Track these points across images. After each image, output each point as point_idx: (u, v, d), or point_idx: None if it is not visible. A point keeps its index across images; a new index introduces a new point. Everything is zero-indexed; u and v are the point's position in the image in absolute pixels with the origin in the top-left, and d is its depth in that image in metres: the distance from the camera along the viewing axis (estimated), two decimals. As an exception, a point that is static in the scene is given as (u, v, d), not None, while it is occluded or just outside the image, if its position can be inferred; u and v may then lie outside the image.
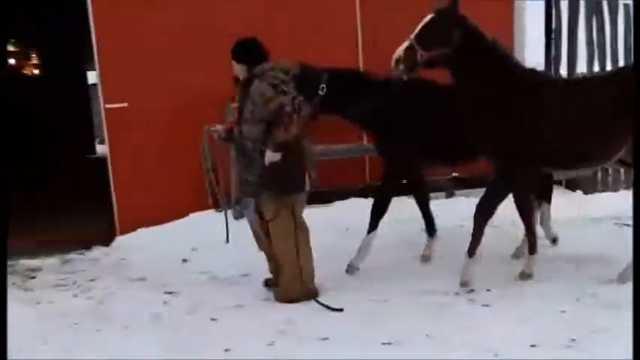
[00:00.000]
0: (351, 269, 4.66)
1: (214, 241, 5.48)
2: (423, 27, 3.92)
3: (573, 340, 3.30)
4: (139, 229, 5.93)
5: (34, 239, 6.01)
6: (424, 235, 4.95)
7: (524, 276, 4.28)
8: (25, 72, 13.45)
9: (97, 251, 5.68)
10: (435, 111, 4.55)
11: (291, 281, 4.09)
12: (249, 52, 4.09)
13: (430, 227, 4.91)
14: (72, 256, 5.56)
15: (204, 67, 5.93)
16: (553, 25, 6.87)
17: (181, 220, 6.01)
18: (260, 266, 4.73)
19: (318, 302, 4.01)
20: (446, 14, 3.93)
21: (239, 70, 4.11)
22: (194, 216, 6.04)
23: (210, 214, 6.10)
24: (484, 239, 4.20)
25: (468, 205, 5.18)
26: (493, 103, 4.00)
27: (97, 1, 5.85)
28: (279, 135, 3.86)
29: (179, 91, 6.02)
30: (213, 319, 3.93)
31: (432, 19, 3.93)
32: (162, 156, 6.06)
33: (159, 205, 6.05)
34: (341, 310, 3.90)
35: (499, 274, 4.35)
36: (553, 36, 6.84)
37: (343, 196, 6.10)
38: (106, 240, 5.85)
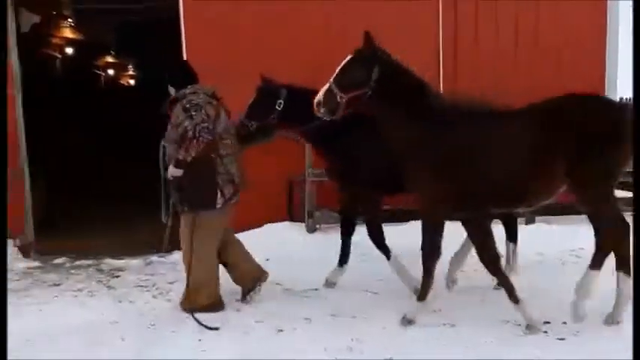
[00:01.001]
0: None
1: (287, 253, 5.64)
2: (340, 70, 3.86)
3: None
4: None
5: (120, 240, 6.34)
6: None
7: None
8: (121, 82, 14.33)
9: (177, 255, 5.93)
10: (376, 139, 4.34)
11: (195, 291, 4.32)
12: (176, 75, 4.41)
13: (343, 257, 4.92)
14: (154, 258, 5.86)
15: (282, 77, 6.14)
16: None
17: (256, 230, 6.17)
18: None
19: (194, 317, 4.11)
20: (364, 55, 3.85)
21: (172, 92, 4.39)
22: (269, 227, 6.20)
23: (284, 225, 6.25)
24: (571, 268, 3.98)
25: (550, 233, 5.01)
26: (410, 141, 3.88)
27: (189, 18, 6.20)
28: (180, 154, 4.11)
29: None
30: (280, 330, 4.01)
31: (349, 61, 3.87)
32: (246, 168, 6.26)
33: (235, 214, 6.26)
34: (216, 329, 3.99)
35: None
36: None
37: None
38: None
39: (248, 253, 4.63)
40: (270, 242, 5.86)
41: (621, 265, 3.87)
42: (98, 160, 11.16)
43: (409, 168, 3.97)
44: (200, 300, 4.30)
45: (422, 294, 4.05)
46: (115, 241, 6.37)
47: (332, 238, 5.92)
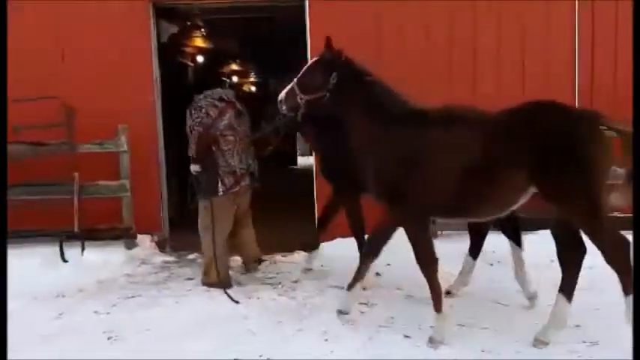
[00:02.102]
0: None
1: (408, 258, 5.53)
2: (303, 73, 4.09)
3: None
4: (337, 239, 6.21)
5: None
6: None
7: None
8: (243, 88, 14.99)
9: (299, 256, 6.07)
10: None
11: (207, 267, 5.03)
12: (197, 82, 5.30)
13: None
14: (278, 257, 6.02)
15: (415, 83, 6.08)
16: None
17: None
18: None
19: (226, 293, 4.78)
20: (324, 60, 4.03)
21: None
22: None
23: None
24: None
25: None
26: (365, 144, 3.97)
27: (314, 26, 6.31)
28: (189, 150, 4.95)
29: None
30: (406, 336, 3.95)
31: (311, 65, 4.11)
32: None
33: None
34: (237, 302, 4.62)
35: None
36: None
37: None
38: (308, 246, 6.19)
39: (254, 238, 5.45)
40: (390, 247, 5.80)
41: (566, 289, 3.71)
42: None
43: (365, 171, 4.02)
44: (212, 275, 4.98)
45: (437, 304, 3.89)
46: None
47: (454, 245, 5.75)
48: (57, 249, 5.80)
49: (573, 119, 3.58)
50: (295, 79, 4.11)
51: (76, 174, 5.93)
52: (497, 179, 3.59)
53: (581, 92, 6.24)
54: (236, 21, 8.58)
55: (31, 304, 4.80)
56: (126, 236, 6.09)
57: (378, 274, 5.32)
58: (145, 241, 6.27)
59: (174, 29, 8.13)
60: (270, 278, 5.34)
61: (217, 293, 4.87)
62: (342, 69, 3.98)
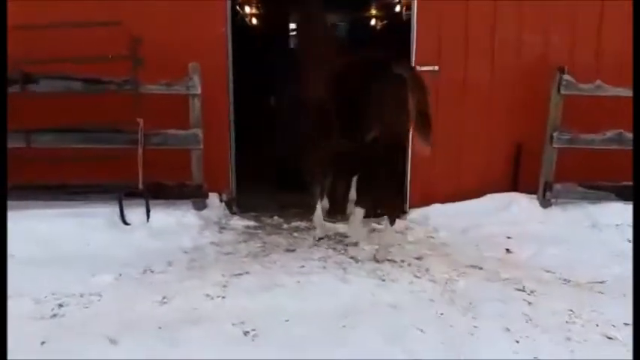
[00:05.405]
0: None
1: (531, 231, 4.99)
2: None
3: None
4: (433, 204, 5.55)
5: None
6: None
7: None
8: (249, 21, 13.66)
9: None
10: None
11: None
12: None
13: None
14: (373, 225, 5.29)
15: (535, 30, 5.36)
16: None
17: (478, 200, 5.53)
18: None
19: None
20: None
21: None
22: (491, 197, 5.51)
23: (510, 197, 5.50)
24: None
25: None
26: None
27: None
28: None
29: (501, 58, 5.45)
30: (609, 337, 3.38)
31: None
32: (470, 128, 5.58)
33: (455, 181, 5.64)
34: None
35: None
36: None
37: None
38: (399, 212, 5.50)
39: None
40: (502, 216, 5.25)
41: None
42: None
43: None
44: None
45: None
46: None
47: (572, 217, 5.22)
48: (116, 209, 4.87)
49: (364, 64, 4.13)
50: None
51: (141, 120, 4.93)
52: (329, 114, 4.28)
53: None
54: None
55: (121, 281, 3.95)
56: (197, 195, 5.19)
57: (508, 250, 4.72)
58: (214, 201, 5.39)
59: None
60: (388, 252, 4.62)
61: (341, 272, 4.16)
62: (301, 9, 4.75)
